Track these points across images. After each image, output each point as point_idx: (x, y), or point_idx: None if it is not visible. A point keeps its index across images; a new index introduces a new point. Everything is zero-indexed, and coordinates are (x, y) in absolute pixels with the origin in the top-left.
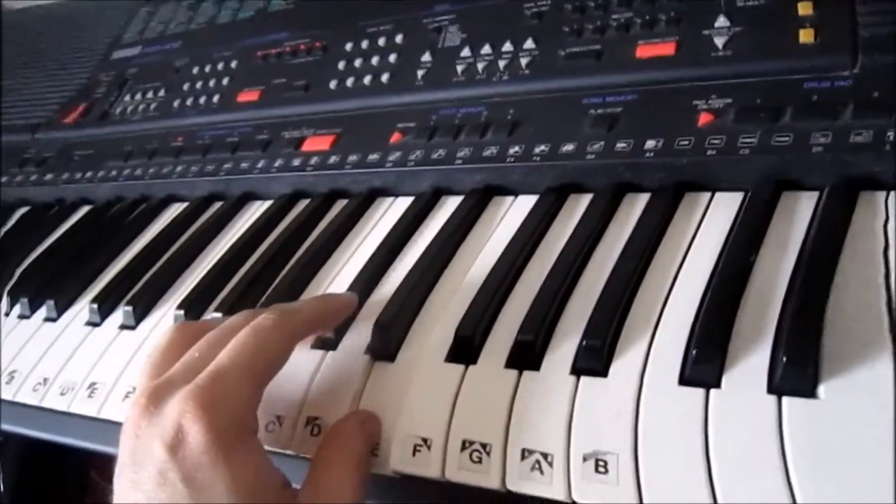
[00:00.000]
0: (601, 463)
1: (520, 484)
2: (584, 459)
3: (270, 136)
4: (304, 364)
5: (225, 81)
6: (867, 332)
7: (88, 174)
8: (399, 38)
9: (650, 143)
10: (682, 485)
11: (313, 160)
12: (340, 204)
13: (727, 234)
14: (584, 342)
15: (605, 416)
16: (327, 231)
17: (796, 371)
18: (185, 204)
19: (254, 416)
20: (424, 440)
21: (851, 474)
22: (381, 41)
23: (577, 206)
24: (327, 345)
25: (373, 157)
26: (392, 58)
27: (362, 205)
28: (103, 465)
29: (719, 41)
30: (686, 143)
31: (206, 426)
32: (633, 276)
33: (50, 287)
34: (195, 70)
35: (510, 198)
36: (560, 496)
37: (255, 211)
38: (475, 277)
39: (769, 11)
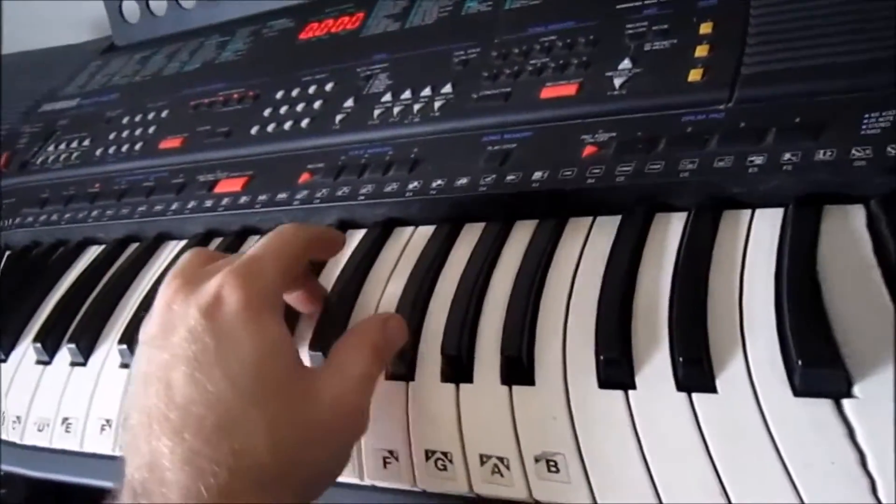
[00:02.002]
0: (552, 463)
1: (485, 487)
2: (536, 461)
3: (185, 179)
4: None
5: (151, 130)
6: (734, 329)
7: (5, 222)
8: (329, 86)
9: (537, 175)
10: (626, 477)
11: (225, 201)
12: (253, 239)
13: (609, 253)
14: (505, 353)
15: (544, 419)
16: None
17: (695, 369)
18: (103, 246)
19: (281, 295)
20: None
21: (762, 459)
22: (312, 89)
23: (472, 234)
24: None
25: (281, 195)
26: (317, 104)
27: None
28: None
29: (618, 81)
30: (569, 173)
31: (244, 294)
32: (531, 292)
33: None
34: (125, 120)
35: (410, 228)
36: (522, 496)
37: (172, 249)
38: (389, 303)
39: (670, 54)
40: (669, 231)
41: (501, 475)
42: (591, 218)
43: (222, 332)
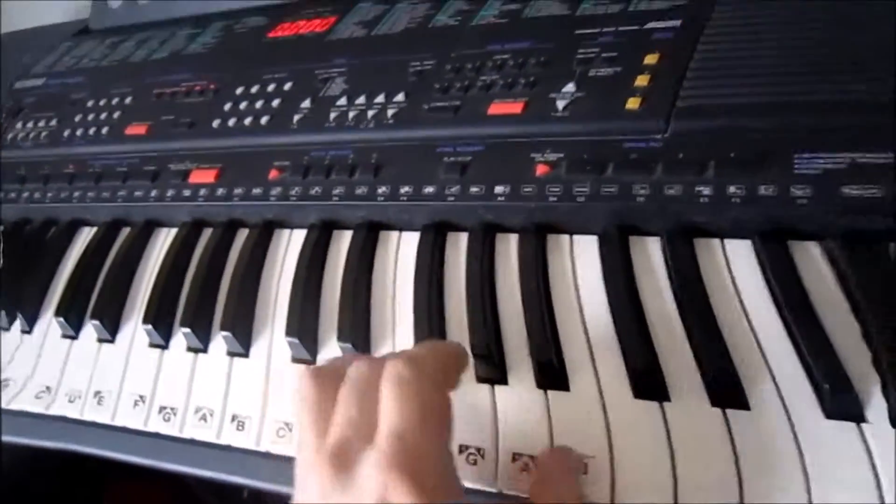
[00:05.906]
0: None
1: (510, 484)
2: None
3: (157, 167)
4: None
5: (116, 115)
6: (754, 353)
7: None
8: (288, 86)
9: (499, 188)
10: (651, 481)
11: (202, 191)
12: (243, 233)
13: (603, 271)
14: (538, 359)
15: (579, 423)
16: (244, 254)
17: (728, 387)
18: (94, 228)
19: (456, 475)
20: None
21: (792, 472)
22: (271, 87)
23: (459, 244)
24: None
25: (256, 190)
26: (275, 102)
27: (264, 234)
28: (119, 495)
29: (560, 104)
30: (529, 189)
31: (415, 497)
32: (542, 303)
33: (8, 300)
34: (90, 103)
35: (396, 232)
36: None
37: (167, 235)
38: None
39: (612, 81)
40: (651, 254)
41: (528, 473)
42: (567, 236)
43: None
